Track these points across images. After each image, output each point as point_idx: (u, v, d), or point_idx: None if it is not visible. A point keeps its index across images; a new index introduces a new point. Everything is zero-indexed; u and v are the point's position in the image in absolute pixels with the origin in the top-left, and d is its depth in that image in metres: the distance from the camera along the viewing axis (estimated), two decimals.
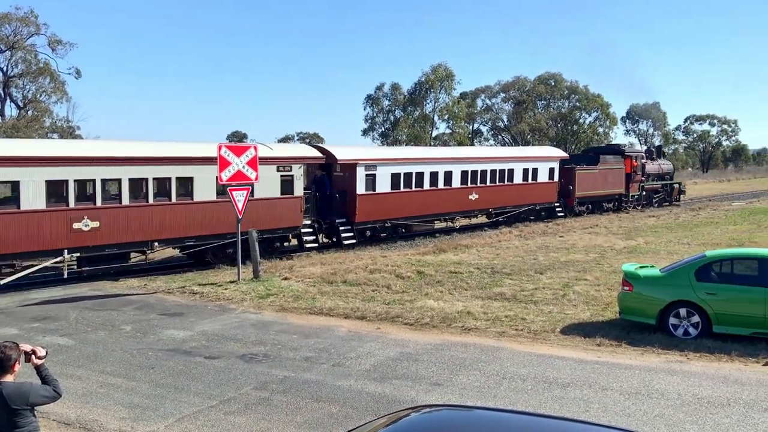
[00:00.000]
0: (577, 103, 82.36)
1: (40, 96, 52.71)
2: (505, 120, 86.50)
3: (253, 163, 18.23)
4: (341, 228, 24.93)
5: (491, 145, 77.49)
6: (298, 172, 23.09)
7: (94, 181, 18.18)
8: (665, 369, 10.12)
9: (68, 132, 53.78)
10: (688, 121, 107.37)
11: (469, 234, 29.46)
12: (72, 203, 17.72)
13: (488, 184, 31.48)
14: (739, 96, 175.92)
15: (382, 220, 26.38)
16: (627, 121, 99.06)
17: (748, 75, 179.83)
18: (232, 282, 17.78)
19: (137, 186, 19.07)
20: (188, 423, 8.33)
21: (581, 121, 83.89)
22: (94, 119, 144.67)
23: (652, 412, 8.40)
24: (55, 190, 17.58)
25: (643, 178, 41.60)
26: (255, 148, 18.60)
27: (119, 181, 18.71)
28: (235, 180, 17.81)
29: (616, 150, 40.90)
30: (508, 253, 22.60)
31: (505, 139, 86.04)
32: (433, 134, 78.91)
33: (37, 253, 17.38)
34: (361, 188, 25.17)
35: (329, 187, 24.93)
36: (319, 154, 24.32)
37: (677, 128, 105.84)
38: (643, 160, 41.95)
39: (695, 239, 25.21)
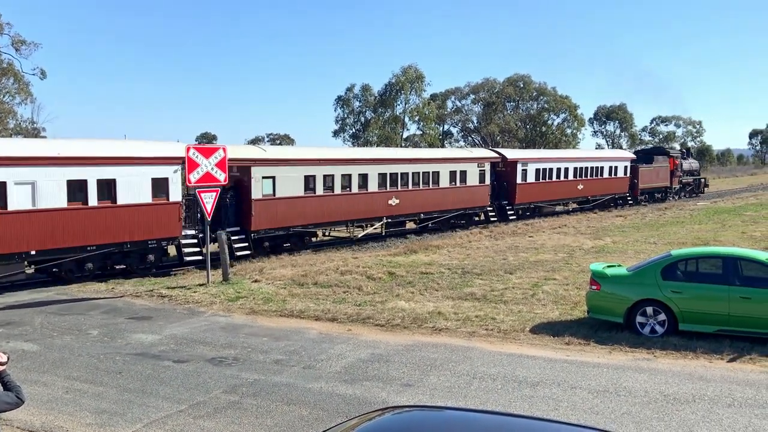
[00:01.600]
0: (546, 105, 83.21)
1: (4, 97, 51.64)
2: (475, 121, 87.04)
3: (222, 165, 18.09)
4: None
5: (461, 146, 77.84)
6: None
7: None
8: (633, 367, 10.27)
9: (33, 134, 52.79)
10: (654, 122, 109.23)
11: (440, 235, 29.57)
12: None
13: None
14: (703, 98, 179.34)
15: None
16: (595, 122, 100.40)
17: (712, 77, 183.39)
18: (201, 285, 17.61)
19: None
20: (156, 428, 8.22)
21: (550, 122, 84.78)
22: (60, 120, 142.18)
23: (619, 409, 8.51)
24: None
25: (681, 174, 51.61)
26: (224, 149, 18.45)
27: None
28: (204, 182, 17.66)
29: (663, 151, 51.34)
30: (478, 253, 22.73)
31: (475, 141, 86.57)
32: (404, 135, 79.12)
33: None
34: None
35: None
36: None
37: (644, 129, 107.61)
38: (681, 159, 51.79)
39: (662, 238, 25.61)
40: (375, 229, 28.42)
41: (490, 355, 11.00)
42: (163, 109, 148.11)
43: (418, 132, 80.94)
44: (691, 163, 55.37)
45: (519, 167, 34.82)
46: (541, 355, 10.97)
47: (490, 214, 34.39)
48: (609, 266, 13.20)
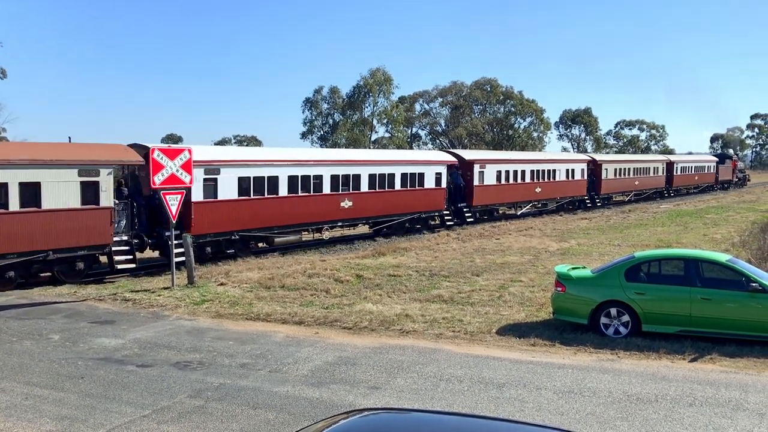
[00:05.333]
0: (512, 108, 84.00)
1: None
2: (443, 124, 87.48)
3: (187, 167, 17.90)
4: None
5: (430, 149, 78.13)
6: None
7: None
8: (597, 368, 10.39)
9: None
10: (619, 126, 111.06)
11: (408, 237, 29.62)
12: None
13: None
14: (666, 102, 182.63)
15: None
16: (560, 125, 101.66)
17: (675, 82, 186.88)
18: (165, 288, 17.38)
19: None
20: None
21: (516, 125, 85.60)
22: (21, 121, 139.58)
23: (584, 410, 8.61)
24: None
25: (736, 171, 74.79)
26: (189, 151, 18.25)
27: None
28: (169, 184, 17.45)
29: (729, 155, 77.46)
30: (446, 255, 22.82)
31: (443, 144, 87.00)
32: (373, 138, 79.19)
33: None
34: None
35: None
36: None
37: (608, 133, 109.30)
38: (737, 161, 77.33)
39: (625, 241, 26.01)
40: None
41: (457, 357, 11.04)
42: (128, 110, 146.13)
43: (387, 135, 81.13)
44: (740, 164, 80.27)
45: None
46: (508, 357, 11.05)
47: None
48: (574, 268, 13.35)
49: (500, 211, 38.70)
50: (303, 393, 9.38)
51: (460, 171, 33.87)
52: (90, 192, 18.68)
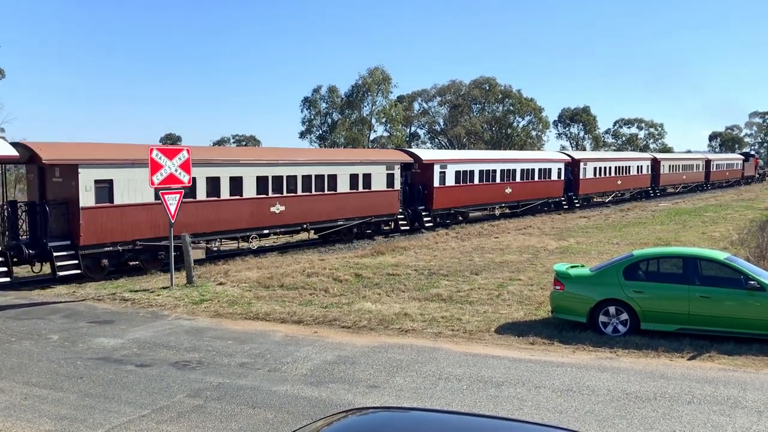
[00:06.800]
0: (511, 107, 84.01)
1: None
2: (442, 123, 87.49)
3: (186, 166, 17.89)
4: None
5: (429, 148, 78.16)
6: None
7: None
8: (596, 366, 10.41)
9: None
10: (617, 125, 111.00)
11: (407, 236, 29.62)
12: None
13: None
14: (665, 100, 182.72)
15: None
16: (559, 124, 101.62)
17: (674, 79, 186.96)
18: (164, 288, 17.38)
19: None
20: None
21: (515, 124, 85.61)
22: (19, 122, 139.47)
23: (583, 408, 8.62)
24: None
25: (758, 168, 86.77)
26: (188, 150, 18.24)
27: None
28: (168, 183, 17.45)
29: (752, 155, 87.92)
30: (444, 254, 22.83)
31: (442, 143, 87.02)
32: (371, 137, 79.19)
33: None
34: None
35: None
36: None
37: (607, 131, 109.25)
38: (758, 159, 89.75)
39: (624, 239, 26.04)
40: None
41: (456, 356, 11.05)
42: (127, 110, 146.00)
43: (386, 134, 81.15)
44: (761, 162, 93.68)
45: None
46: (506, 355, 11.06)
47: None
48: (572, 267, 13.36)
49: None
50: (302, 392, 9.39)
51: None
52: None
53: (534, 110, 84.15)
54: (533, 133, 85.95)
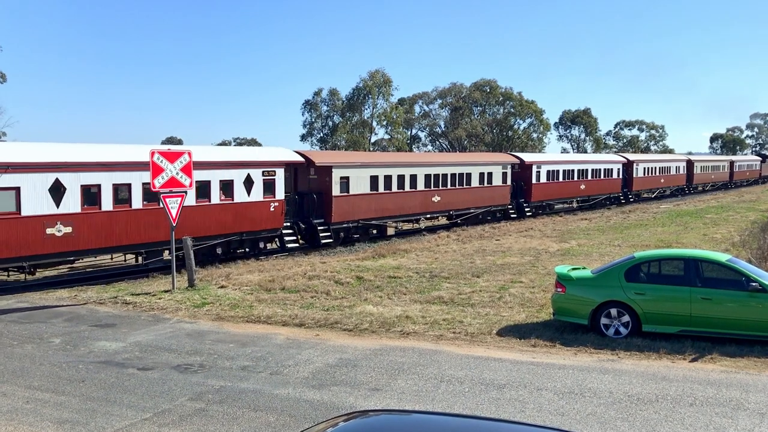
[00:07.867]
0: (512, 109, 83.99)
1: None
2: (443, 126, 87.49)
3: (187, 170, 17.90)
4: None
5: (430, 151, 78.24)
6: None
7: None
8: (597, 368, 10.40)
9: None
10: (618, 127, 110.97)
11: (408, 239, 29.63)
12: None
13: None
14: (666, 102, 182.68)
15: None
16: (560, 126, 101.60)
17: (675, 82, 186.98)
18: (166, 291, 17.38)
19: None
20: None
21: (516, 126, 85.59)
22: (20, 125, 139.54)
23: (585, 410, 8.61)
24: None
25: None
26: (189, 154, 18.25)
27: None
28: (169, 187, 17.45)
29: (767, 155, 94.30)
30: (446, 257, 22.83)
31: (443, 145, 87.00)
32: (372, 140, 79.23)
33: None
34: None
35: None
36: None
37: (608, 133, 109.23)
38: None
39: (626, 241, 26.02)
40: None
41: (458, 359, 11.05)
42: (129, 113, 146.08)
43: (386, 136, 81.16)
44: None
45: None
46: (508, 358, 11.05)
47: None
48: (574, 269, 13.35)
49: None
50: (304, 395, 9.39)
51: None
52: None
53: (535, 112, 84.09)
54: (534, 135, 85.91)
